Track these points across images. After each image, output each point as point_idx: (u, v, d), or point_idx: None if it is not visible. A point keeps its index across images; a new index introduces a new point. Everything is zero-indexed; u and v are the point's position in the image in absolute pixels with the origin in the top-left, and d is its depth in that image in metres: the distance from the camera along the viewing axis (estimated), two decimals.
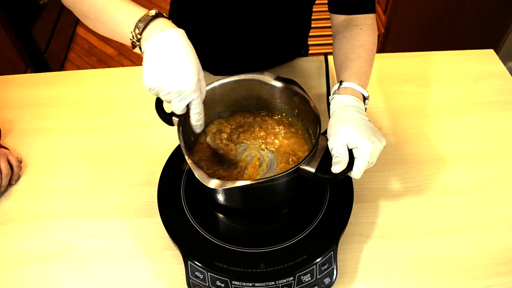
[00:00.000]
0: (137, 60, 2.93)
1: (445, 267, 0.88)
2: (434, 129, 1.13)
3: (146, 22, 0.74)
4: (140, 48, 0.75)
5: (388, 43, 2.69)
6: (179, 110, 0.77)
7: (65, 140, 1.12)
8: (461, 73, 1.28)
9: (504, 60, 1.31)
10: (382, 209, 0.96)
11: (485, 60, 1.32)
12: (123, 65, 2.92)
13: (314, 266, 0.81)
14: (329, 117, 0.86)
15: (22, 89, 1.25)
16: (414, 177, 1.03)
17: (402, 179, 1.02)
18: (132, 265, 0.89)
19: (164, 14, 0.77)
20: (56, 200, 1.00)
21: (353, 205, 0.90)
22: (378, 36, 2.67)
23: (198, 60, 0.75)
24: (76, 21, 3.27)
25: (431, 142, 1.10)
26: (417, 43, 2.64)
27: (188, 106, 0.77)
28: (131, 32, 0.74)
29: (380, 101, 1.19)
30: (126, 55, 3.02)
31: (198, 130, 0.82)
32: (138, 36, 0.74)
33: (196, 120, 0.79)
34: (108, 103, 1.20)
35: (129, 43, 0.77)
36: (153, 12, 0.75)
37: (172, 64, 0.72)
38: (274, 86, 0.92)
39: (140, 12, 0.76)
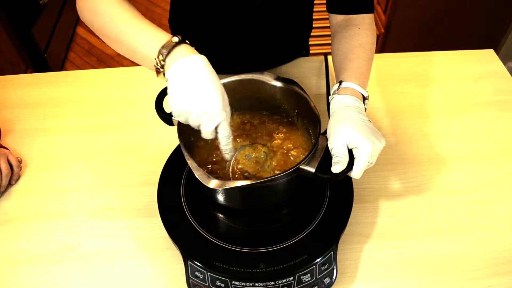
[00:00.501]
0: None
1: (445, 267, 0.88)
2: (434, 129, 1.13)
3: (169, 48, 0.75)
4: (164, 74, 0.76)
5: (388, 43, 2.69)
6: (209, 133, 0.77)
7: (65, 140, 1.12)
8: (461, 73, 1.28)
9: (504, 60, 1.31)
10: (382, 209, 0.96)
11: (485, 60, 1.32)
12: (123, 65, 2.92)
13: (314, 266, 0.81)
14: (329, 117, 0.86)
15: (22, 89, 1.25)
16: (414, 177, 1.03)
17: (402, 179, 1.02)
18: (132, 265, 0.89)
19: (187, 41, 0.77)
20: (56, 200, 1.00)
21: (353, 205, 0.90)
22: (378, 36, 2.67)
23: (221, 84, 0.76)
24: (76, 21, 3.27)
25: (431, 142, 1.10)
26: (417, 43, 2.64)
27: (216, 131, 0.77)
28: (155, 59, 0.75)
29: (380, 101, 1.19)
30: None
31: (228, 156, 0.82)
32: (162, 63, 0.75)
33: (225, 144, 0.79)
34: (108, 103, 1.20)
35: (151, 68, 0.77)
36: (175, 39, 0.76)
37: (198, 88, 0.73)
38: (274, 86, 0.92)
39: (163, 37, 0.76)
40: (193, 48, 0.77)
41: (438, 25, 2.55)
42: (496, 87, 1.24)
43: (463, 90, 1.23)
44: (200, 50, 0.79)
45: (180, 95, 0.74)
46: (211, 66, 0.76)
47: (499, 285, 0.85)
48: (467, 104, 1.20)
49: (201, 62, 0.75)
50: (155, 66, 0.76)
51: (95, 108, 1.19)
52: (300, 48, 1.34)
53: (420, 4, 2.46)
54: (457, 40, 2.59)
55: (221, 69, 1.07)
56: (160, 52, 0.75)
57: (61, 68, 2.92)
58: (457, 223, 0.95)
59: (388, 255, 0.90)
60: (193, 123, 0.76)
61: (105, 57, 3.04)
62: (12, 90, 1.24)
